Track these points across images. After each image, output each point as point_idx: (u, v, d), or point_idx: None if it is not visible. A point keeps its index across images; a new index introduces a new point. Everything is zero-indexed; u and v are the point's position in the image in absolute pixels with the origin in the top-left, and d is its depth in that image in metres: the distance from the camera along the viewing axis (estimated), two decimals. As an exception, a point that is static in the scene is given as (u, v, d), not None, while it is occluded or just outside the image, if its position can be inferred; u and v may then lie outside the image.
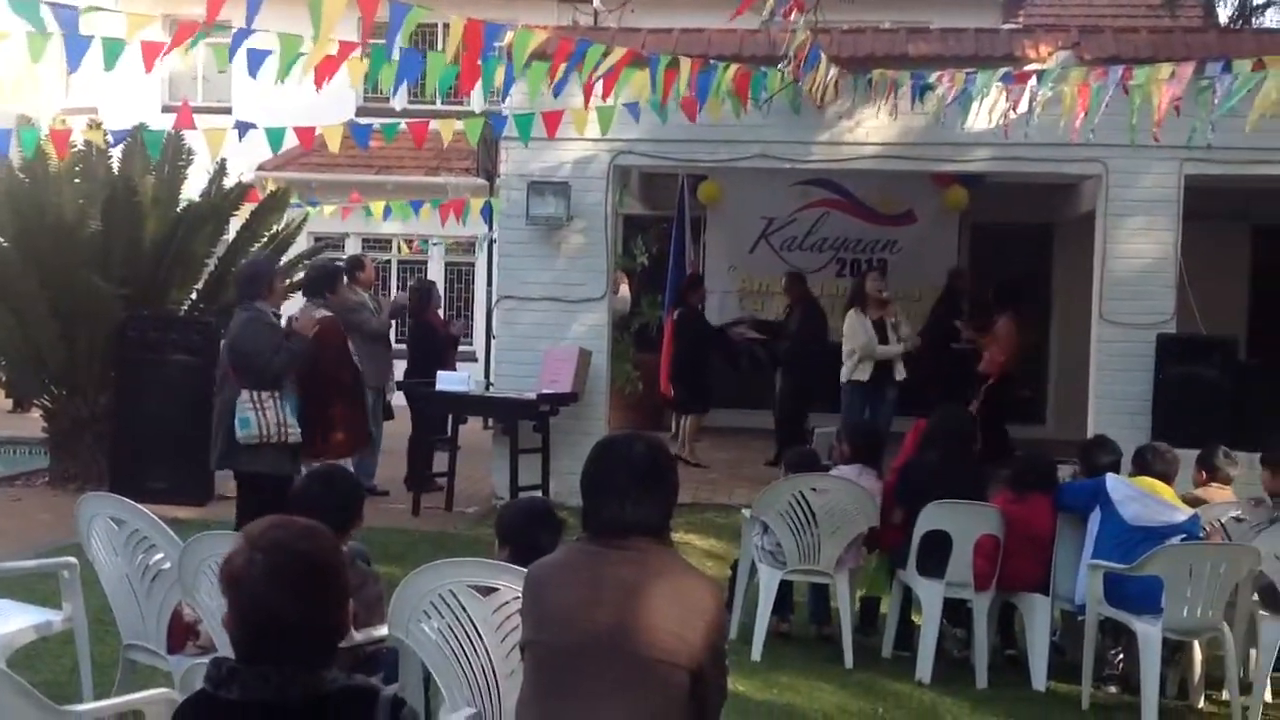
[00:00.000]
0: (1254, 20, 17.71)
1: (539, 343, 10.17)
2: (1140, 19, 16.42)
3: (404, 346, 11.45)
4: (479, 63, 7.48)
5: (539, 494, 8.92)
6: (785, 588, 6.84)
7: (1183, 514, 6.08)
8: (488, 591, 3.99)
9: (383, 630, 4.20)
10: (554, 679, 2.99)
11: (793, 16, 8.34)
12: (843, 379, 10.83)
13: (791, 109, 9.64)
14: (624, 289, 12.85)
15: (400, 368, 10.96)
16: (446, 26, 7.46)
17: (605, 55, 7.93)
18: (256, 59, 7.17)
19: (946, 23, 13.83)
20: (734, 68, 8.64)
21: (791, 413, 11.86)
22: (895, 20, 15.10)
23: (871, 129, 9.93)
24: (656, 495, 3.09)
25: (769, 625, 6.66)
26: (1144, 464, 6.44)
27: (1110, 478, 6.28)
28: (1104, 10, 17.86)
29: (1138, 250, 9.86)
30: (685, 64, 8.34)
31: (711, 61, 8.70)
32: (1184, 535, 5.98)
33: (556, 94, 8.51)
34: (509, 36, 7.81)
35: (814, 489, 6.65)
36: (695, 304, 12.23)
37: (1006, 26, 15.52)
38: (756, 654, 6.49)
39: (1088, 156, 9.74)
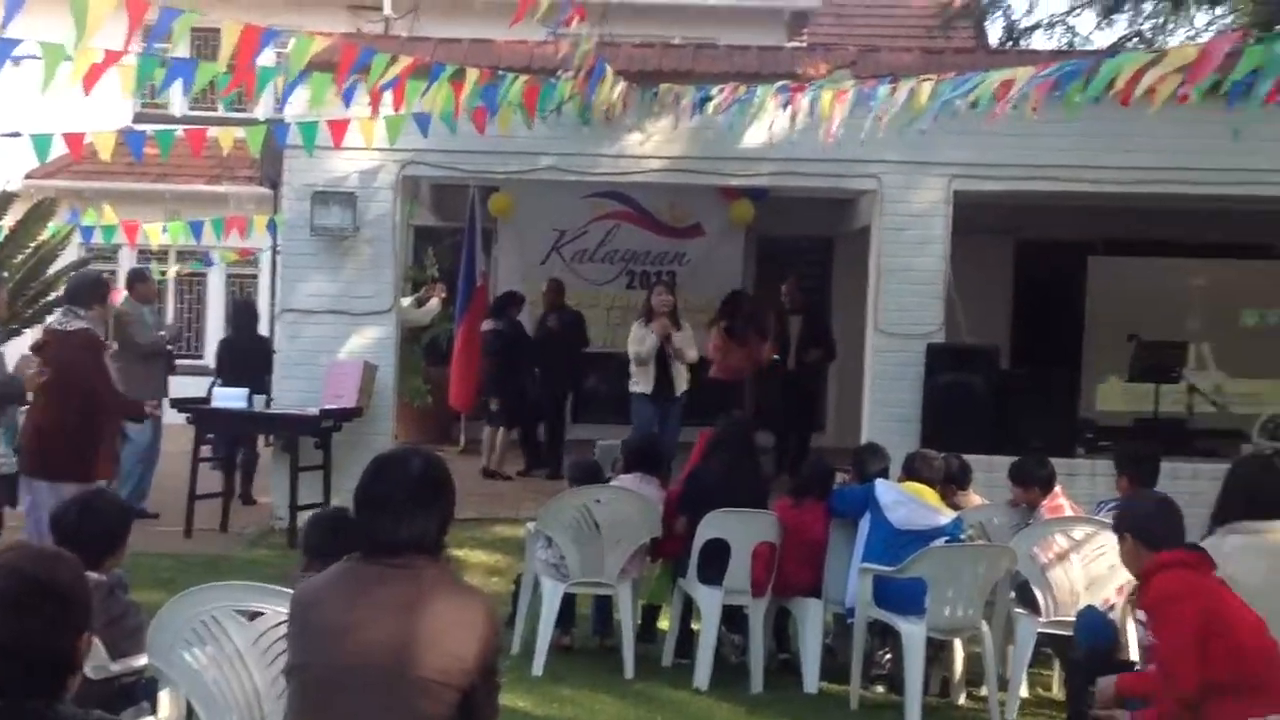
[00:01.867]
0: (1021, 42, 18.68)
1: (323, 356, 9.95)
2: (917, 40, 17.11)
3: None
4: (253, 69, 7.27)
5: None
6: (569, 601, 6.86)
7: (945, 517, 6.35)
8: (254, 616, 3.90)
9: (142, 660, 4.06)
10: (319, 703, 2.94)
11: (574, 25, 8.35)
12: (630, 389, 10.96)
13: (581, 121, 9.70)
14: (434, 300, 12.76)
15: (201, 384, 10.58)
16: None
17: (391, 64, 7.82)
18: (5, 52, 6.73)
19: (733, 40, 14.12)
20: (523, 79, 8.63)
21: (539, 421, 12.12)
22: (684, 36, 15.35)
23: (659, 143, 10.05)
24: (432, 511, 3.06)
25: (552, 639, 6.65)
26: (912, 470, 6.69)
27: (879, 483, 6.52)
28: (884, 31, 18.53)
29: (910, 263, 10.16)
30: (472, 74, 8.29)
31: (500, 72, 8.68)
32: (946, 537, 6.26)
33: (347, 103, 8.35)
34: (291, 43, 7.63)
35: (598, 500, 6.71)
36: (514, 317, 12.24)
37: (790, 45, 15.98)
38: (538, 669, 6.47)
39: (863, 172, 10.07)
